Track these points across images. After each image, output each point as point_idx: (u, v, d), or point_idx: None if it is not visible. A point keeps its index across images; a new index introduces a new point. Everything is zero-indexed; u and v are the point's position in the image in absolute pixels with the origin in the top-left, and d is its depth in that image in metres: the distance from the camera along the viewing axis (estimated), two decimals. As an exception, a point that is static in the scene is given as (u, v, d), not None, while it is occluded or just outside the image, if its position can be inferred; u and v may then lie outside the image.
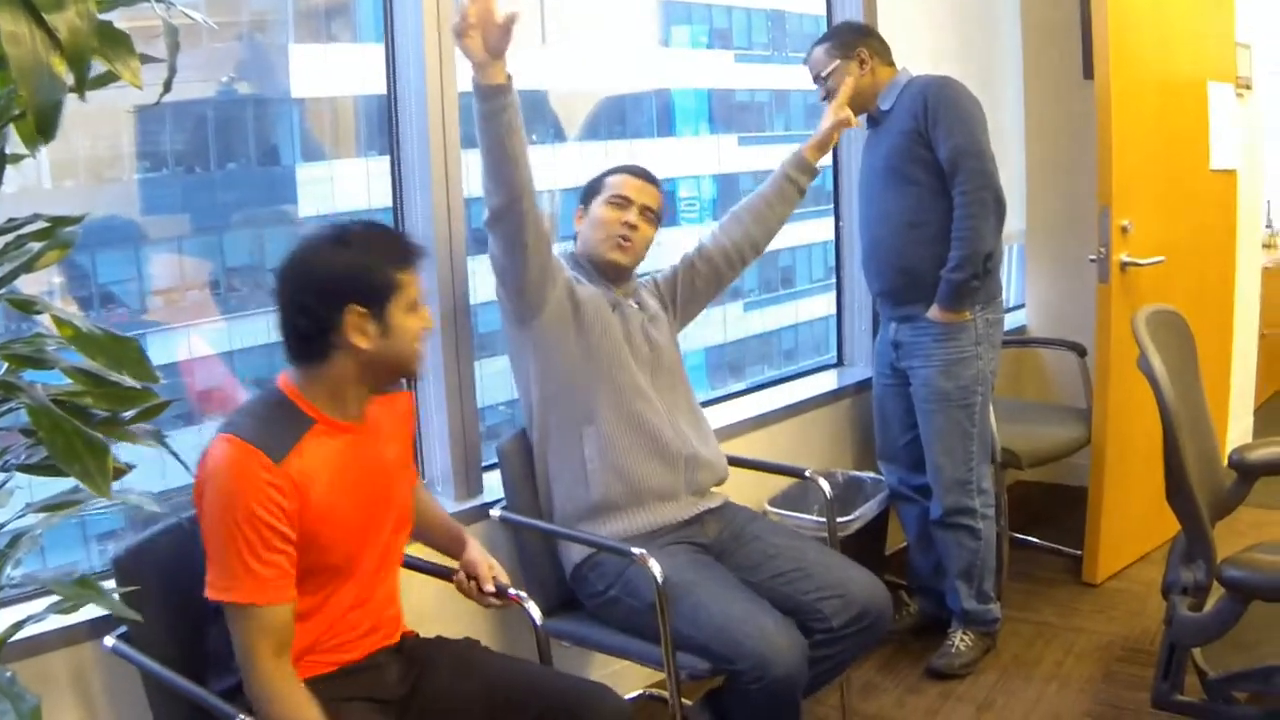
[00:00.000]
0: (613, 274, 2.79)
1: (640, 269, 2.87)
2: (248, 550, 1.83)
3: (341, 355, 1.96)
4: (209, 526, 1.87)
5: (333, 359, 1.96)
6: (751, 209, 3.02)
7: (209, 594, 1.86)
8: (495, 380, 3.07)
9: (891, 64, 3.37)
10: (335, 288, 1.93)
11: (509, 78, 2.41)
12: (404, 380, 2.17)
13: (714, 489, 2.83)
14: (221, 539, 1.85)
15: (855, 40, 3.33)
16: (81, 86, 1.29)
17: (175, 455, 1.76)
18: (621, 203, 2.76)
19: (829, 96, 3.28)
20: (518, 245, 2.54)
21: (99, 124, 2.64)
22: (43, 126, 1.25)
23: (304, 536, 1.90)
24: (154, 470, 2.00)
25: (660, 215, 2.84)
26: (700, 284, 2.98)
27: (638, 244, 2.77)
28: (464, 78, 2.74)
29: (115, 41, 1.43)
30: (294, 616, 1.90)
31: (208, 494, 1.87)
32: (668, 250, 3.00)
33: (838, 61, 3.29)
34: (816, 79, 3.35)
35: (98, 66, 1.39)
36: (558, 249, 2.72)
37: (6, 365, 1.57)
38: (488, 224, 2.55)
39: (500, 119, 2.42)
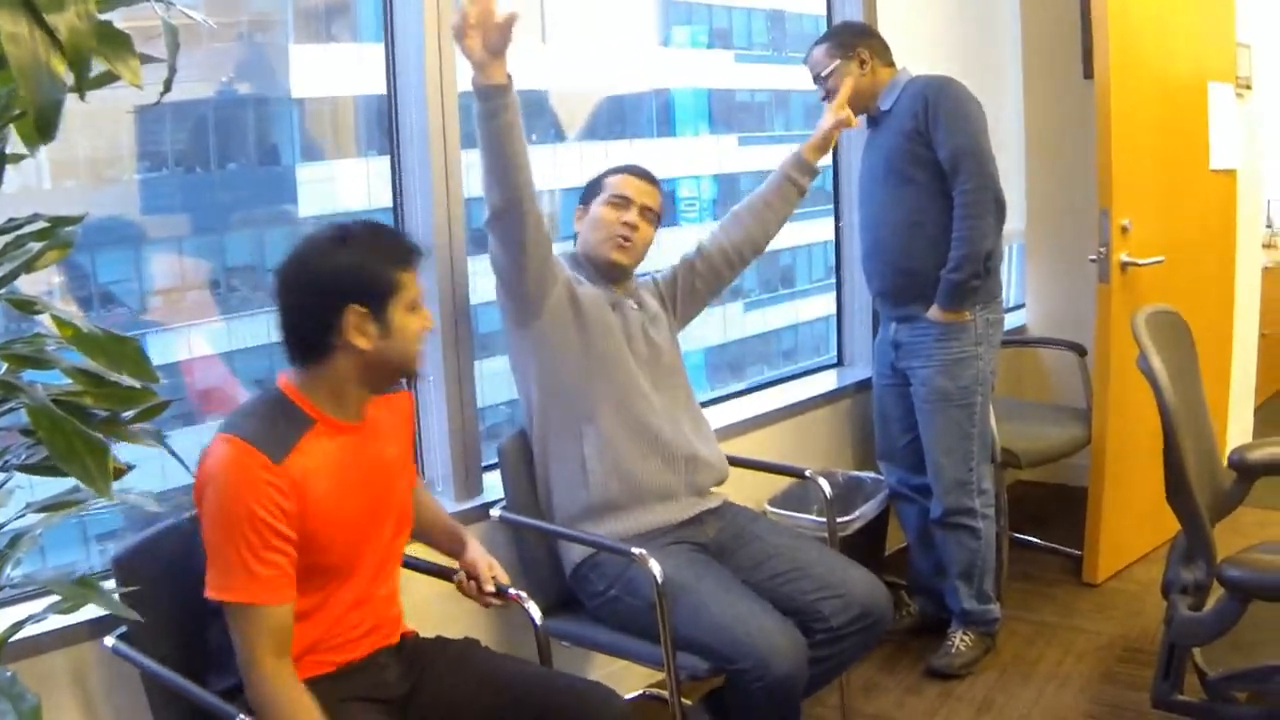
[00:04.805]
0: (613, 274, 2.79)
1: (640, 268, 2.87)
2: (247, 550, 1.83)
3: (342, 355, 1.96)
4: (209, 526, 1.87)
5: (333, 359, 1.96)
6: (751, 209, 3.01)
7: (208, 593, 1.86)
8: (495, 380, 3.07)
9: (891, 64, 3.37)
10: (335, 288, 1.93)
11: (509, 78, 2.41)
12: (404, 380, 2.17)
13: (714, 489, 2.83)
14: (221, 538, 1.85)
15: (855, 40, 3.33)
16: (81, 87, 1.29)
17: (175, 455, 1.76)
18: (621, 203, 2.76)
19: (829, 96, 3.29)
20: (517, 246, 2.54)
21: (100, 124, 2.64)
22: (43, 127, 1.25)
23: (304, 536, 1.90)
24: (154, 470, 1.99)
25: (660, 215, 2.84)
26: (700, 284, 2.98)
27: (638, 244, 2.77)
28: (464, 78, 2.73)
29: (115, 41, 1.43)
30: (294, 617, 1.90)
31: (208, 494, 1.87)
32: (668, 250, 3.00)
33: (837, 62, 3.29)
34: (816, 79, 3.35)
35: (98, 66, 1.39)
36: (558, 249, 2.72)
37: (6, 365, 1.57)
38: (487, 224, 2.55)
39: (500, 119, 2.42)
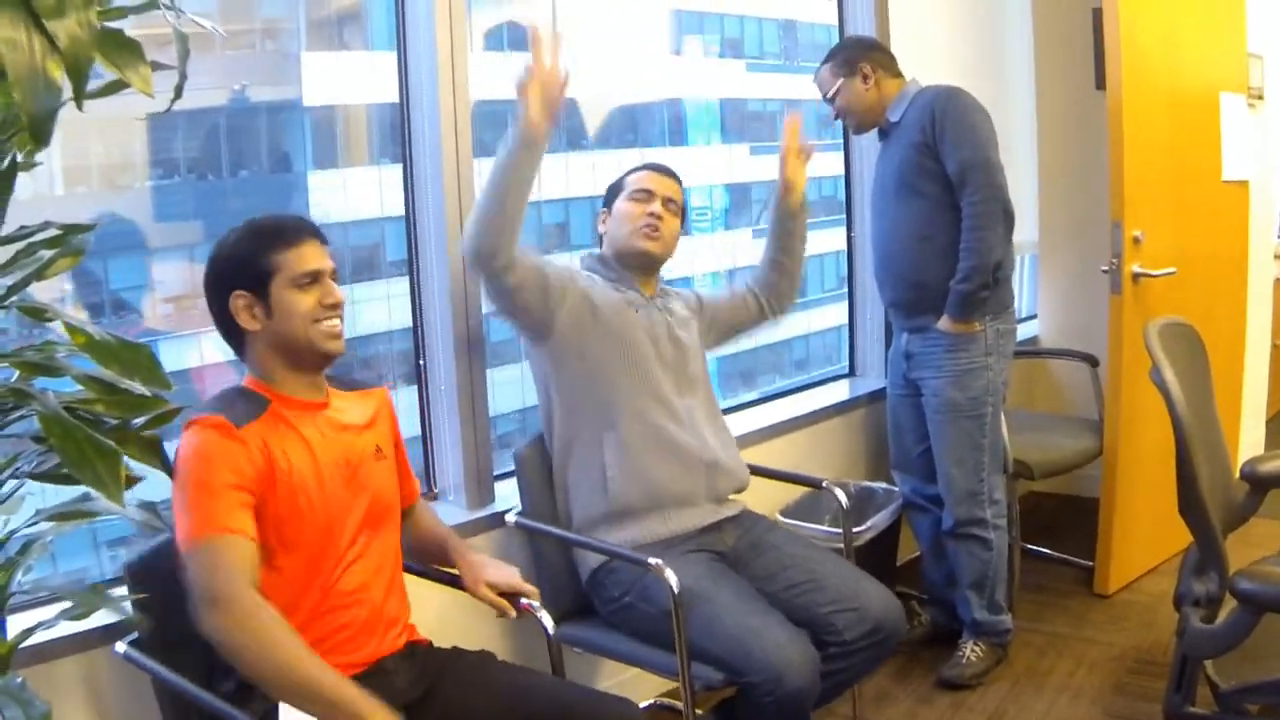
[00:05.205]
0: (642, 265, 2.81)
1: (668, 272, 2.91)
2: (207, 494, 1.85)
3: (250, 340, 2.04)
4: (176, 490, 1.88)
5: (249, 345, 2.05)
6: (769, 263, 3.09)
7: (181, 548, 1.85)
8: (506, 389, 3.06)
9: (898, 75, 3.37)
10: (221, 279, 2.03)
11: (547, 140, 2.48)
12: (325, 360, 2.11)
13: (733, 496, 2.83)
14: (182, 494, 1.86)
15: (857, 56, 3.34)
16: (80, 96, 1.29)
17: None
18: (644, 196, 2.80)
19: (840, 115, 3.35)
20: (500, 293, 2.58)
21: (112, 130, 2.64)
22: (37, 134, 1.25)
23: (279, 501, 1.93)
24: (163, 480, 1.99)
25: (683, 209, 2.89)
26: (744, 315, 3.07)
27: (665, 233, 2.80)
28: (476, 86, 2.75)
29: (125, 49, 1.43)
30: (258, 557, 1.89)
31: (178, 470, 1.89)
32: (678, 257, 2.98)
33: (841, 80, 3.32)
34: (825, 99, 3.37)
35: (108, 74, 1.39)
36: (573, 257, 2.73)
37: (17, 373, 1.57)
38: (467, 263, 2.57)
39: (530, 159, 2.46)
